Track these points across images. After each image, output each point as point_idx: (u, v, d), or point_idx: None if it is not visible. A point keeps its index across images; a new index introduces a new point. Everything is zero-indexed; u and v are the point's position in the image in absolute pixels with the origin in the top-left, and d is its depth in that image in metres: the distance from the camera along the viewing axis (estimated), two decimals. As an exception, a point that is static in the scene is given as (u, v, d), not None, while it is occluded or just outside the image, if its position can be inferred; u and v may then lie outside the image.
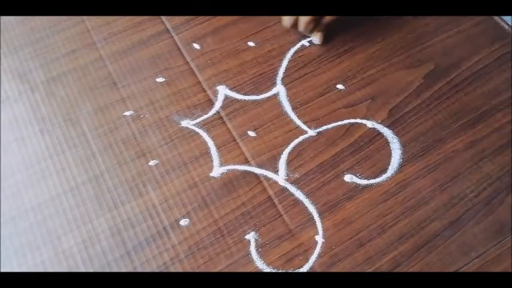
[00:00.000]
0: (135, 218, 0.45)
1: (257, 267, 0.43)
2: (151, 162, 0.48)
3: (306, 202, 0.46)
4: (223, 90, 0.52)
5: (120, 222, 0.45)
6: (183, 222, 0.45)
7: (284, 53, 0.55)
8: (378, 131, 0.50)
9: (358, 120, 0.51)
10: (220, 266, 0.43)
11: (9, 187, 0.47)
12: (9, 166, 0.48)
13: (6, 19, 0.57)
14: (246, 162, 0.48)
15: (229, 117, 0.51)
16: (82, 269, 0.43)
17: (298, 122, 0.51)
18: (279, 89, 0.53)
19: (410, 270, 0.43)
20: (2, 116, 0.50)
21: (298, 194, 0.47)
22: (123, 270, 0.43)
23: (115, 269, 0.43)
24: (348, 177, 0.47)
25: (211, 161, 0.48)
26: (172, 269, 0.43)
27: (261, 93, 0.52)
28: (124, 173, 0.47)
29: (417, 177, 0.47)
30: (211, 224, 0.45)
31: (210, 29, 0.56)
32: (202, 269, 0.43)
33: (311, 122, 0.51)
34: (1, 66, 0.53)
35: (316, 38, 0.55)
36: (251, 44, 0.55)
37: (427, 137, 0.50)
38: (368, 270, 0.43)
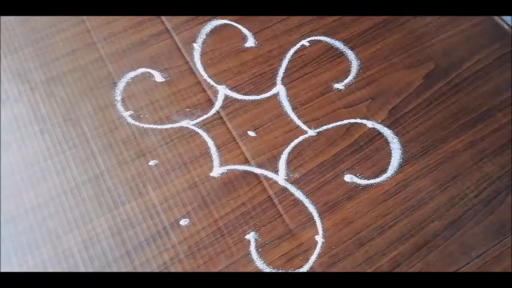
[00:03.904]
0: (135, 218, 0.45)
1: (257, 267, 0.43)
2: (151, 162, 0.48)
3: (306, 202, 0.46)
4: (223, 90, 0.52)
5: (120, 222, 0.45)
6: (183, 222, 0.45)
7: (284, 53, 0.55)
8: (378, 131, 0.50)
9: (358, 120, 0.51)
10: (220, 266, 0.43)
11: (9, 187, 0.47)
12: (9, 166, 0.48)
13: (6, 19, 0.56)
14: (246, 162, 0.48)
15: (229, 117, 0.51)
16: (82, 269, 0.43)
17: (298, 122, 0.51)
18: (279, 89, 0.53)
19: (411, 270, 0.43)
20: (2, 116, 0.50)
21: (298, 194, 0.47)
22: (123, 270, 0.43)
23: (115, 269, 0.43)
24: (348, 177, 0.47)
25: (211, 161, 0.48)
26: (172, 269, 0.43)
27: (261, 93, 0.52)
28: (124, 173, 0.47)
29: (417, 177, 0.47)
30: (211, 224, 0.45)
31: (210, 29, 0.57)
32: (202, 269, 0.43)
33: (311, 122, 0.51)
34: (1, 66, 0.53)
35: None
36: (251, 44, 0.55)
37: (427, 137, 0.50)
38: (368, 270, 0.43)
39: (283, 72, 0.54)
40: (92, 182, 0.47)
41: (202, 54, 0.55)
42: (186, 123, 0.51)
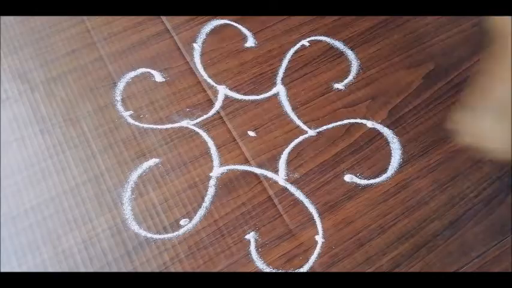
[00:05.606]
0: (135, 218, 0.45)
1: (257, 267, 0.43)
2: (152, 162, 0.48)
3: (306, 202, 0.46)
4: (223, 90, 0.52)
5: (120, 222, 0.45)
6: (183, 222, 0.45)
7: (284, 53, 0.55)
8: (378, 131, 0.50)
9: (358, 120, 0.51)
10: (220, 266, 0.43)
11: (9, 187, 0.47)
12: (9, 166, 0.48)
13: (6, 19, 0.56)
14: (246, 162, 0.48)
15: (229, 117, 0.51)
16: (82, 269, 0.43)
17: (298, 122, 0.51)
18: (279, 89, 0.53)
19: (411, 270, 0.43)
20: (2, 116, 0.50)
21: (298, 194, 0.47)
22: (123, 270, 0.43)
23: (115, 269, 0.43)
24: (348, 177, 0.47)
25: (211, 161, 0.48)
26: (172, 269, 0.43)
27: (261, 93, 0.52)
28: (124, 173, 0.47)
29: (417, 177, 0.47)
30: (211, 224, 0.45)
31: (210, 29, 0.57)
32: (202, 269, 0.43)
33: (311, 122, 0.51)
34: (1, 66, 0.53)
35: None
36: (251, 44, 0.55)
37: (427, 137, 0.50)
38: (368, 270, 0.43)
39: (283, 72, 0.54)
40: (92, 182, 0.47)
41: (202, 54, 0.55)
42: (186, 123, 0.51)
